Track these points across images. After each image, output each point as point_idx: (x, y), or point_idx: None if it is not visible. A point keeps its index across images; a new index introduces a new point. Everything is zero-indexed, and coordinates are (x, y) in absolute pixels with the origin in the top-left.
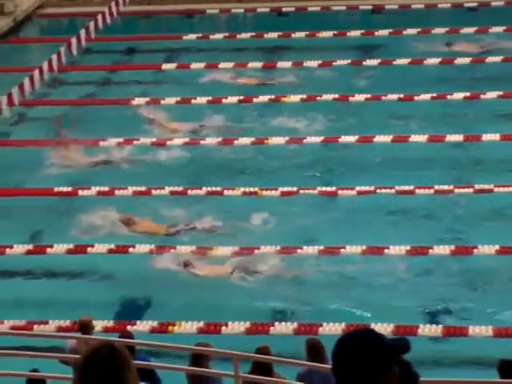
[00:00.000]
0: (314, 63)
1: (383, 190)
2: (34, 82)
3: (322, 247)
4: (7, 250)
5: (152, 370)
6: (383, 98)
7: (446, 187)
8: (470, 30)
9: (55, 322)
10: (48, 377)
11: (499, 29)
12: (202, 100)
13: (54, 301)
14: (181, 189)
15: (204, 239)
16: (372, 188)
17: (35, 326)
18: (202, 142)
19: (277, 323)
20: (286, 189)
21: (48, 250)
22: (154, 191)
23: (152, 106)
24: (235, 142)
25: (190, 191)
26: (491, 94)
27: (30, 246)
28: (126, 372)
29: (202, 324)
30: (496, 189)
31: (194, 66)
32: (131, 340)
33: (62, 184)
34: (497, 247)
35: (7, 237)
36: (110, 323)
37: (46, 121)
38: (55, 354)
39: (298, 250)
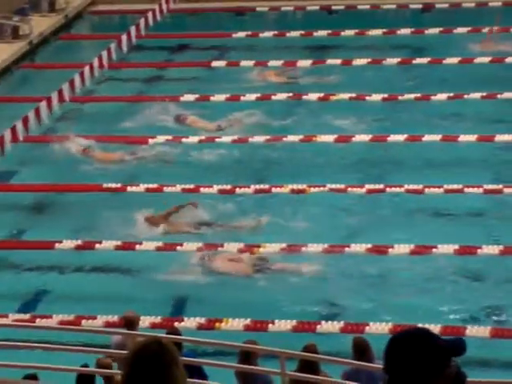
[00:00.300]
0: (362, 61)
1: (431, 189)
2: (85, 78)
3: (369, 245)
4: (56, 244)
5: (199, 366)
6: (432, 97)
7: (495, 186)
8: None
9: (103, 318)
10: (98, 372)
11: None
12: (250, 97)
13: (102, 296)
14: (229, 187)
15: (250, 237)
16: (420, 187)
17: (83, 321)
18: (250, 139)
19: (323, 322)
20: (333, 186)
21: (97, 245)
22: (202, 189)
23: (199, 102)
24: (284, 139)
25: (237, 189)
26: None
27: (79, 242)
28: (173, 369)
29: (248, 321)
30: None
31: (244, 63)
32: (179, 336)
33: (110, 180)
34: None
35: (57, 232)
36: (158, 319)
37: (96, 117)
38: (102, 350)
39: (346, 249)
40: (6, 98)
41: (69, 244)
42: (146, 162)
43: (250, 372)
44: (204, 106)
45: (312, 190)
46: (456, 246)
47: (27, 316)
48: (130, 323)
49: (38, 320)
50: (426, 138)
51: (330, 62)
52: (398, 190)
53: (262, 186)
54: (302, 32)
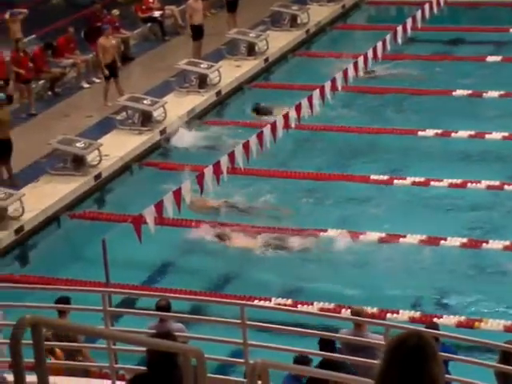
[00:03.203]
0: None
1: None
2: (358, 68)
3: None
4: (321, 233)
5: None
6: None
7: None
8: None
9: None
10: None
11: None
12: None
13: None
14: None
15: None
16: None
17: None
18: None
19: None
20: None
21: (361, 236)
22: (469, 185)
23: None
24: None
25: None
26: None
27: (344, 231)
28: (432, 363)
29: (509, 323)
30: None
31: None
32: (438, 331)
33: (376, 172)
34: None
35: (324, 220)
36: (417, 314)
37: (369, 108)
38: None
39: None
40: (280, 84)
41: (332, 233)
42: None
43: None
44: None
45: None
46: None
47: (289, 301)
48: (356, 315)
49: (299, 306)
50: None
51: None
52: None
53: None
54: None
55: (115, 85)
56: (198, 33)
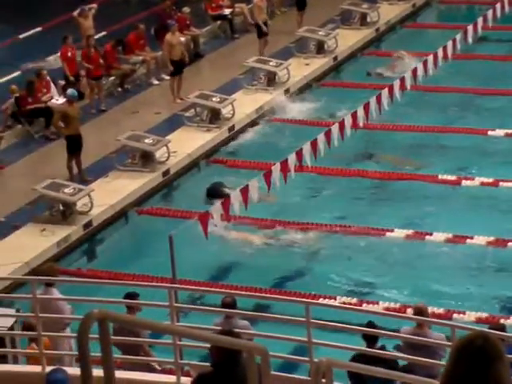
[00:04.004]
0: None
1: None
2: (428, 68)
3: None
4: (387, 233)
5: None
6: None
7: None
8: None
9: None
10: None
11: None
12: None
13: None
14: None
15: None
16: None
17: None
18: None
19: None
20: None
21: (427, 237)
22: None
23: None
24: None
25: None
26: None
27: (410, 232)
28: (498, 364)
29: None
30: None
31: None
32: (505, 333)
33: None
34: None
35: (389, 220)
36: (483, 315)
37: (438, 107)
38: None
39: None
40: (349, 83)
41: (399, 234)
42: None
43: None
44: None
45: None
46: None
47: (354, 300)
48: (419, 314)
49: (364, 305)
50: None
51: None
52: None
53: None
54: None
55: (177, 81)
56: (262, 30)
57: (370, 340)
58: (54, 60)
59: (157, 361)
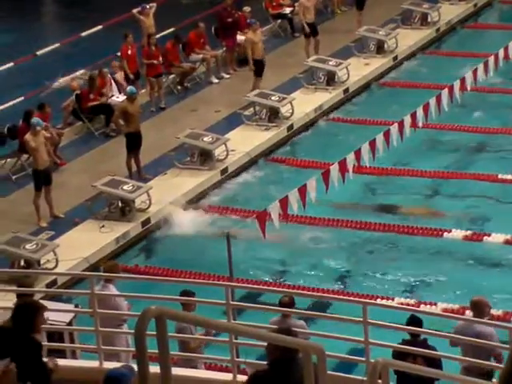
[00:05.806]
0: None
1: None
2: (488, 68)
3: None
4: (445, 233)
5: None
6: None
7: None
8: None
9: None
10: None
11: None
12: None
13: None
14: None
15: None
16: None
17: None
18: None
19: None
20: None
21: (485, 238)
22: None
23: None
24: None
25: None
26: None
27: (468, 233)
28: None
29: None
30: None
31: None
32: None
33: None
34: None
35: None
36: None
37: (495, 107)
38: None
39: None
40: (409, 83)
41: (457, 234)
42: None
43: None
44: None
45: None
46: None
47: (412, 301)
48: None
49: (422, 306)
50: None
51: None
52: None
53: None
54: None
55: (255, 82)
56: (311, 30)
57: (414, 333)
58: (61, 82)
59: (214, 359)
